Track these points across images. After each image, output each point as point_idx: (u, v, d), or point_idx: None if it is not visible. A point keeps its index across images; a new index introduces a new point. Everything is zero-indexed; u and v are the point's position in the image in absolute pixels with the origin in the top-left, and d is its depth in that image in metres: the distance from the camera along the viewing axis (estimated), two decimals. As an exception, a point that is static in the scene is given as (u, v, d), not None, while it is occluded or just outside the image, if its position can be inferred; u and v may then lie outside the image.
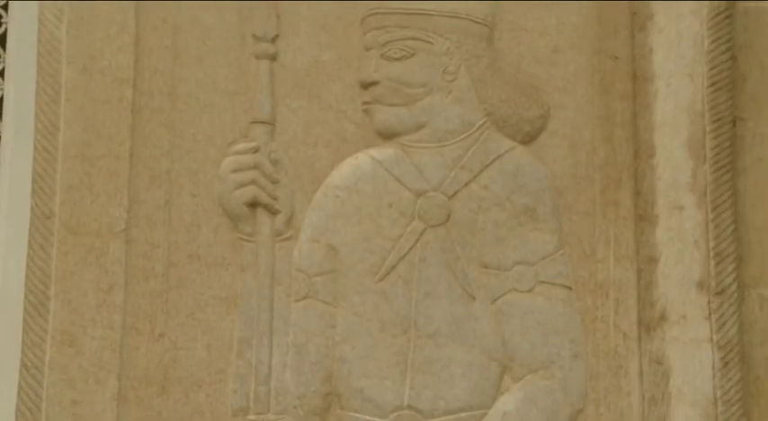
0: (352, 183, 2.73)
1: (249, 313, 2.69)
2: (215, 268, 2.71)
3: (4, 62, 2.96)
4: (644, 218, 2.74)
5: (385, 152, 2.75)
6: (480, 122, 2.75)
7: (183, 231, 2.72)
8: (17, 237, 2.79)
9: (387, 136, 2.76)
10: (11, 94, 2.93)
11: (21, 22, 2.93)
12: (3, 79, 2.96)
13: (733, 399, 2.67)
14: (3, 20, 2.98)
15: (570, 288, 2.71)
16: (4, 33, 2.97)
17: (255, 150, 2.74)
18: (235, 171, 2.72)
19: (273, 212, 2.72)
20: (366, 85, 2.75)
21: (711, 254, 2.72)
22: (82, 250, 2.69)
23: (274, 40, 2.78)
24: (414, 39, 2.73)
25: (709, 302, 2.70)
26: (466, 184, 2.73)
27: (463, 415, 2.65)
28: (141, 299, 2.69)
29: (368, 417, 2.65)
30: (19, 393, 2.65)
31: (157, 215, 2.72)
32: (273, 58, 2.78)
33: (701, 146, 2.75)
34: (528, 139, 2.76)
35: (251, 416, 2.65)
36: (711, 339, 2.68)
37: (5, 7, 2.98)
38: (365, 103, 2.75)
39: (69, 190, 2.71)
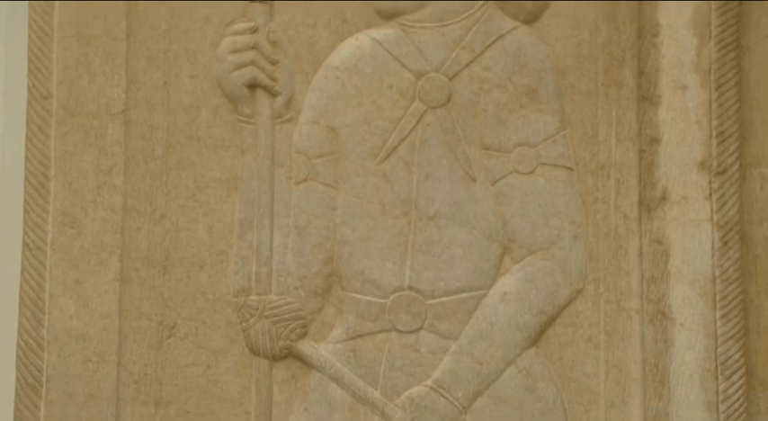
0: (352, 64, 2.70)
1: (250, 195, 2.69)
2: (215, 150, 2.71)
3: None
4: (647, 98, 2.71)
5: (385, 32, 2.71)
6: (482, 1, 2.70)
7: (182, 112, 2.71)
8: (15, 119, 2.77)
9: (387, 15, 2.71)
10: (3, -28, 2.89)
11: None
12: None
13: (731, 278, 2.68)
14: None
15: (571, 169, 2.70)
16: None
17: (254, 30, 2.70)
18: (233, 52, 2.69)
19: (273, 94, 2.70)
20: (366, -37, 2.71)
21: (714, 133, 2.70)
22: (81, 131, 2.68)
23: None
24: None
25: (710, 182, 2.69)
26: (467, 65, 2.70)
27: (463, 295, 2.67)
28: (141, 180, 2.68)
29: (369, 298, 2.67)
30: (22, 273, 2.67)
31: (156, 96, 2.70)
32: (271, -64, 2.73)
33: (707, 23, 2.71)
34: (530, 19, 2.72)
35: (252, 297, 2.67)
36: (711, 219, 2.69)
37: None
38: (365, -19, 2.71)
39: (66, 70, 2.69)
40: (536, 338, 2.67)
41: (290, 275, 2.68)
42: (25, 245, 2.67)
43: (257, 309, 2.65)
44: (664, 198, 2.70)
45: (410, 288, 2.67)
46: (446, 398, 2.63)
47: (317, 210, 2.69)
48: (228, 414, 2.65)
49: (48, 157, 2.67)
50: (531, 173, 2.69)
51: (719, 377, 2.65)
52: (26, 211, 2.68)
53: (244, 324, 2.66)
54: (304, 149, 2.70)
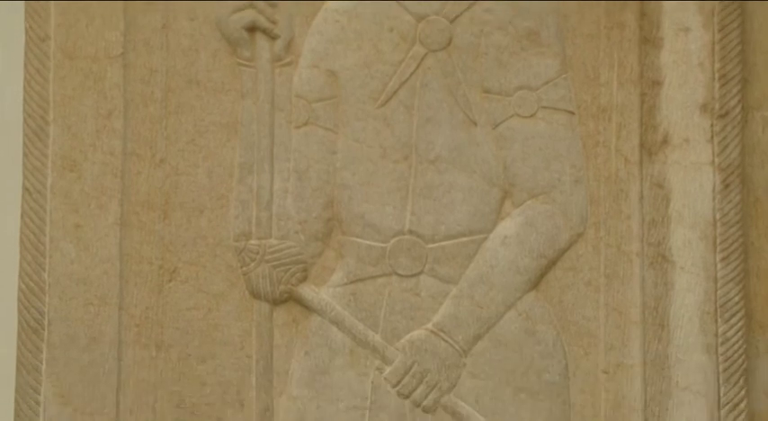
0: (351, 6, 2.68)
1: (249, 139, 2.68)
2: (214, 93, 2.69)
3: None
4: (649, 40, 2.69)
5: (385, -26, 2.69)
6: (483, -57, 2.68)
7: (181, 56, 2.69)
8: (13, 62, 2.76)
9: (387, -43, 2.70)
10: None
11: None
12: None
13: (732, 221, 2.68)
14: None
15: (573, 113, 2.69)
16: None
17: (252, -27, 2.68)
18: (232, -6, 2.68)
19: (272, 37, 2.68)
20: None
21: (716, 76, 2.69)
22: (79, 74, 2.66)
23: None
24: None
25: (712, 125, 2.68)
26: (468, 8, 2.67)
27: (464, 239, 2.67)
28: (141, 124, 2.67)
29: (369, 242, 2.67)
30: (22, 217, 2.66)
31: (155, 39, 2.68)
32: None
33: (709, -35, 2.70)
34: (532, -39, 2.70)
35: (253, 241, 2.67)
36: (713, 162, 2.68)
37: None
38: None
39: (64, 12, 2.67)
40: (536, 282, 2.68)
41: (291, 219, 2.68)
42: (25, 189, 2.66)
43: (257, 254, 2.65)
44: (665, 141, 2.69)
45: (410, 232, 2.67)
46: (446, 341, 2.64)
47: (317, 154, 2.68)
48: (229, 357, 2.66)
49: (46, 101, 2.66)
50: (531, 116, 2.68)
51: (719, 320, 2.66)
52: (25, 155, 2.67)
53: (244, 268, 2.66)
54: (304, 93, 2.68)
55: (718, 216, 2.68)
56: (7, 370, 2.68)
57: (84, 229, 2.66)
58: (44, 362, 2.63)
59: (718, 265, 2.67)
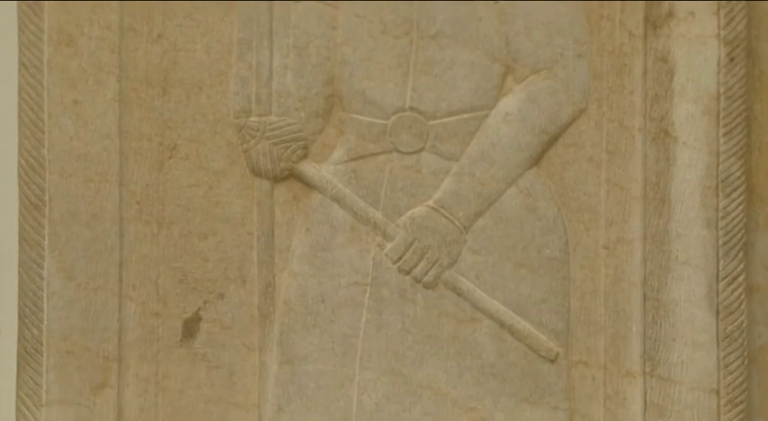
0: None
1: (248, 14, 2.64)
2: (211, -33, 2.65)
3: None
4: (655, -63, 2.64)
5: None
6: None
7: (176, -72, 2.64)
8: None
9: None
10: None
11: None
12: None
13: (736, 95, 2.66)
14: None
15: (575, -12, 2.65)
16: None
17: None
18: None
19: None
20: None
21: (722, -54, 2.64)
22: (73, -50, 2.62)
23: None
24: None
25: (718, -4, 2.64)
26: None
27: (465, 116, 2.65)
28: (137, -3, 2.64)
29: (370, 119, 2.66)
30: (20, 92, 2.64)
31: None
32: None
33: None
34: None
35: (253, 118, 2.65)
36: (718, 35, 2.64)
37: None
38: None
39: None
40: (538, 158, 2.67)
41: (291, 96, 2.65)
42: (21, 64, 2.63)
43: (258, 131, 2.64)
44: (670, 14, 2.64)
45: (411, 108, 2.65)
46: (447, 218, 2.65)
47: (317, 29, 2.65)
48: (231, 234, 2.67)
49: (39, -27, 2.62)
50: (535, -10, 2.64)
51: (720, 194, 2.66)
52: (20, 30, 2.63)
53: (244, 145, 2.65)
54: (303, -33, 2.64)
55: (722, 90, 2.65)
56: (10, 245, 2.70)
57: (82, 105, 2.64)
58: (46, 238, 2.64)
59: (721, 140, 2.65)
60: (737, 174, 2.66)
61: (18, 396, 2.65)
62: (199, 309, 2.68)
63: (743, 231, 2.67)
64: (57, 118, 2.63)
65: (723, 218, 2.66)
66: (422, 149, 2.65)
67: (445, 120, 2.65)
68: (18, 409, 2.64)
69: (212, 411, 2.68)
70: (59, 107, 2.63)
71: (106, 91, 2.63)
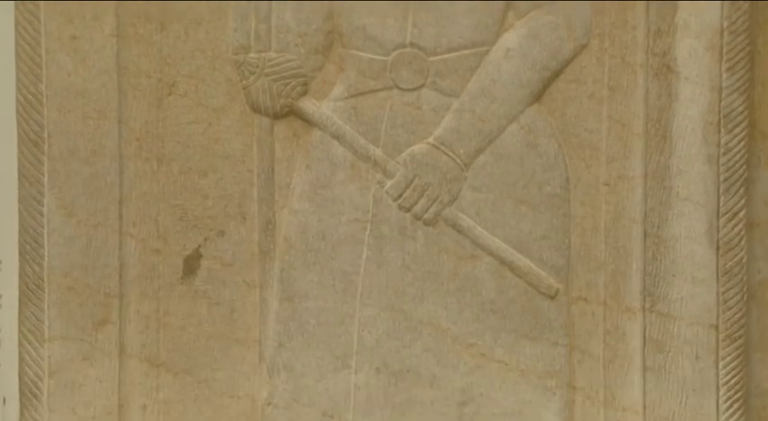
0: None
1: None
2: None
3: None
4: None
5: None
6: None
7: None
8: None
9: None
10: None
11: None
12: None
13: (739, 29, 2.63)
14: None
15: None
16: None
17: None
18: None
19: None
20: None
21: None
22: None
23: None
24: None
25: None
26: None
27: (466, 52, 2.63)
28: (131, -69, 2.60)
29: (370, 55, 2.63)
30: (16, 27, 2.62)
31: None
32: None
33: None
34: None
35: (252, 54, 2.63)
36: (723, -16, 2.62)
37: None
38: None
39: None
40: (539, 95, 2.65)
41: (290, 32, 2.63)
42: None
43: (257, 67, 2.62)
44: (678, -18, 2.62)
45: (412, 44, 2.63)
46: (447, 154, 2.64)
47: (316, -18, 2.62)
48: (231, 171, 2.66)
49: None
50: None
51: (722, 130, 2.65)
52: (16, -30, 2.61)
53: (244, 81, 2.63)
54: None
55: (725, 24, 2.63)
56: (9, 181, 2.69)
57: (80, 41, 2.61)
58: (46, 175, 2.63)
59: (724, 75, 2.64)
60: (740, 109, 2.64)
61: (20, 331, 2.66)
62: (199, 246, 2.68)
63: (744, 167, 2.66)
64: (54, 54, 2.61)
65: (725, 154, 2.65)
66: (422, 86, 2.63)
67: (446, 56, 2.63)
68: (21, 345, 2.66)
69: (213, 347, 2.69)
70: (56, 43, 2.61)
71: (104, 26, 2.61)
